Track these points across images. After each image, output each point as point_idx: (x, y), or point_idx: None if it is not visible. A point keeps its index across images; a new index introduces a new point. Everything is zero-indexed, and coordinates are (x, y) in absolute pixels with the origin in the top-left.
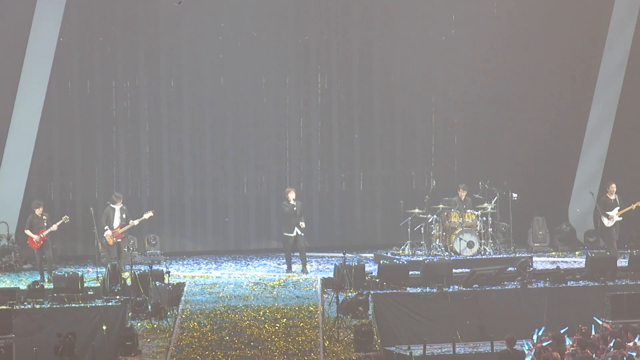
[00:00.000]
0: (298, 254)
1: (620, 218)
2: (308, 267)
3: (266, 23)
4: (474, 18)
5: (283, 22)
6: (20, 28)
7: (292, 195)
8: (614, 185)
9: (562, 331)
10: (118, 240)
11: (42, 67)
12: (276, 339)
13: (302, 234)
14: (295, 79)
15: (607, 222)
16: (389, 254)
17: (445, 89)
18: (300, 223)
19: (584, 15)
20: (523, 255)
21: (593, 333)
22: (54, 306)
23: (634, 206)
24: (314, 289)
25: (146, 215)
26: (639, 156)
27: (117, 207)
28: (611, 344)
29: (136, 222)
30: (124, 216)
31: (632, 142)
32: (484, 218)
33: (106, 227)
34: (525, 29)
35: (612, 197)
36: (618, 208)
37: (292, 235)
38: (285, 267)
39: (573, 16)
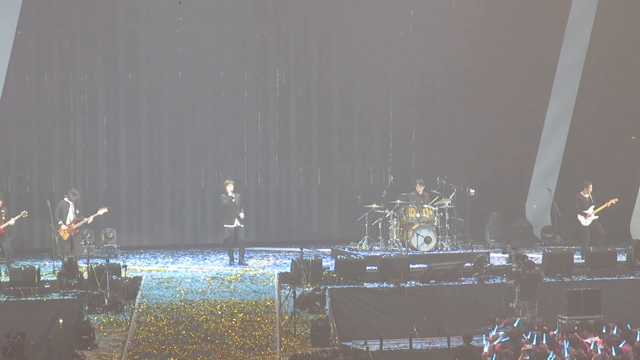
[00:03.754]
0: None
1: (597, 216)
2: (250, 261)
3: (225, 17)
4: (433, 14)
5: (241, 16)
6: None
7: (230, 188)
8: (590, 185)
9: (516, 325)
10: (71, 235)
11: None
12: (233, 334)
13: (242, 226)
14: (254, 73)
15: (584, 221)
16: (346, 249)
17: (403, 85)
18: (240, 214)
19: (542, 12)
20: (480, 251)
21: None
22: (10, 299)
23: (608, 204)
24: (271, 284)
25: (100, 212)
26: (595, 153)
27: (72, 202)
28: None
29: (90, 219)
30: (77, 211)
31: (589, 138)
32: (442, 214)
33: (60, 222)
34: (483, 25)
35: (587, 195)
36: (593, 206)
37: (232, 226)
38: (227, 259)
39: (531, 13)
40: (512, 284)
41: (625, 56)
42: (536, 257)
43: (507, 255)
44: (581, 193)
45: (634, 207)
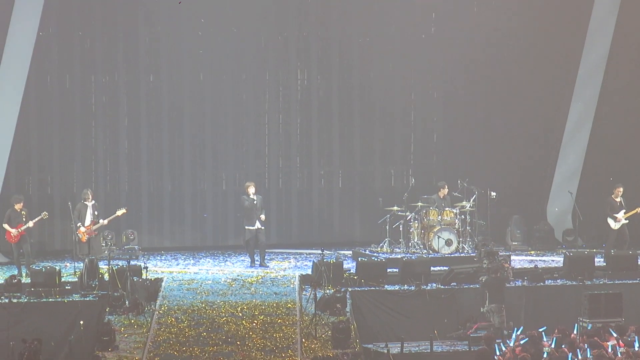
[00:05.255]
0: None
1: (627, 221)
2: (271, 263)
3: (246, 19)
4: (454, 16)
5: (263, 18)
6: None
7: (251, 190)
8: (620, 188)
9: (540, 330)
10: (90, 237)
11: (20, 62)
12: (254, 336)
13: (263, 228)
14: (275, 75)
15: (614, 225)
16: (367, 252)
17: (424, 87)
18: (261, 216)
19: (564, 14)
20: (502, 253)
21: (574, 332)
22: (31, 300)
23: (639, 209)
24: (292, 286)
25: (119, 212)
26: (617, 156)
27: (89, 203)
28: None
29: (105, 221)
30: (95, 213)
31: (610, 141)
32: (463, 216)
33: (79, 224)
34: (505, 27)
35: (618, 199)
36: (624, 211)
37: (253, 228)
38: (248, 261)
39: (553, 15)
40: (481, 286)
41: None
42: (557, 259)
43: (477, 252)
44: (612, 196)
45: None
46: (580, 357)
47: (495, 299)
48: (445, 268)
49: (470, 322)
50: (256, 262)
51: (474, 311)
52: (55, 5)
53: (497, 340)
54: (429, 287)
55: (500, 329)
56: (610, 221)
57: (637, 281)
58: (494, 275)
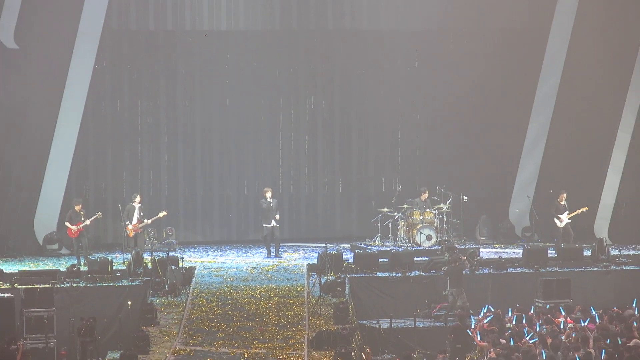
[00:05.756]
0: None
1: (570, 220)
2: (284, 254)
3: (264, 55)
4: (434, 53)
5: (278, 54)
6: (62, 57)
7: (268, 194)
8: (564, 194)
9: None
10: (136, 233)
11: (80, 90)
12: (270, 314)
13: (278, 225)
14: (287, 100)
15: (559, 224)
16: (362, 245)
17: (409, 111)
18: (276, 216)
19: (522, 52)
20: (472, 247)
21: (532, 311)
22: (88, 285)
23: (579, 211)
24: (301, 273)
25: (161, 214)
26: (566, 167)
27: (137, 205)
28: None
29: (149, 221)
30: (141, 214)
31: (560, 155)
32: (440, 216)
33: (127, 222)
34: (475, 62)
35: (562, 202)
36: (567, 212)
37: (269, 226)
38: (265, 253)
39: (513, 52)
40: (444, 274)
41: (593, 89)
42: (517, 251)
43: (440, 247)
44: (557, 200)
45: (597, 212)
46: (538, 331)
47: (455, 284)
48: (426, 258)
49: (434, 303)
50: (272, 254)
51: (437, 294)
52: (108, 43)
53: (468, 318)
54: (412, 274)
55: (463, 307)
56: (555, 221)
57: (583, 269)
58: (453, 265)
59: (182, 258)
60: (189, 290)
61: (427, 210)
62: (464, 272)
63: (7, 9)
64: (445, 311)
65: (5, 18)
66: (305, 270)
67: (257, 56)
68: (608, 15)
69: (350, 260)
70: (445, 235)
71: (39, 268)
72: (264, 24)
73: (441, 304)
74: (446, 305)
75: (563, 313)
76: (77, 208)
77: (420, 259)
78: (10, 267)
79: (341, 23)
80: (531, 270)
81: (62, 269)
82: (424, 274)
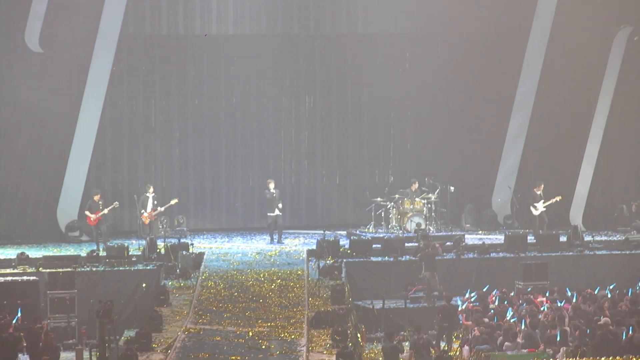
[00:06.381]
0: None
1: (545, 209)
2: (286, 240)
3: (267, 57)
4: (423, 56)
5: (280, 56)
6: (83, 60)
7: (271, 185)
8: (542, 185)
9: (484, 290)
10: (151, 220)
11: (99, 89)
12: (272, 295)
13: (280, 214)
14: (289, 99)
15: (535, 212)
16: (357, 232)
17: (401, 108)
18: (279, 205)
19: (503, 54)
20: (458, 233)
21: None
22: (107, 269)
23: (554, 200)
24: (301, 258)
25: (172, 202)
26: (545, 160)
27: (150, 195)
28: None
29: (162, 208)
30: (155, 202)
31: (539, 149)
32: (429, 205)
33: (142, 211)
34: (461, 64)
35: (539, 192)
36: (543, 201)
37: (273, 214)
38: (268, 239)
39: (495, 54)
40: (418, 260)
41: (569, 88)
42: (499, 237)
43: (415, 235)
44: (534, 190)
45: (572, 201)
46: (518, 310)
47: (429, 268)
48: (416, 244)
49: (410, 285)
50: (275, 240)
51: (414, 277)
52: (124, 47)
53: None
54: (403, 259)
55: (435, 288)
56: (532, 209)
57: (559, 254)
58: (427, 251)
59: (192, 244)
60: (199, 273)
61: (417, 199)
62: (436, 257)
63: (32, 16)
64: (424, 293)
65: (31, 24)
66: (305, 255)
67: (260, 58)
68: (582, 21)
69: (347, 246)
70: (438, 222)
71: (62, 253)
72: (267, 29)
73: (417, 285)
74: (422, 287)
75: (547, 295)
76: (96, 198)
77: (410, 244)
78: (35, 253)
79: (338, 28)
80: (512, 255)
81: (83, 254)
82: (414, 258)
